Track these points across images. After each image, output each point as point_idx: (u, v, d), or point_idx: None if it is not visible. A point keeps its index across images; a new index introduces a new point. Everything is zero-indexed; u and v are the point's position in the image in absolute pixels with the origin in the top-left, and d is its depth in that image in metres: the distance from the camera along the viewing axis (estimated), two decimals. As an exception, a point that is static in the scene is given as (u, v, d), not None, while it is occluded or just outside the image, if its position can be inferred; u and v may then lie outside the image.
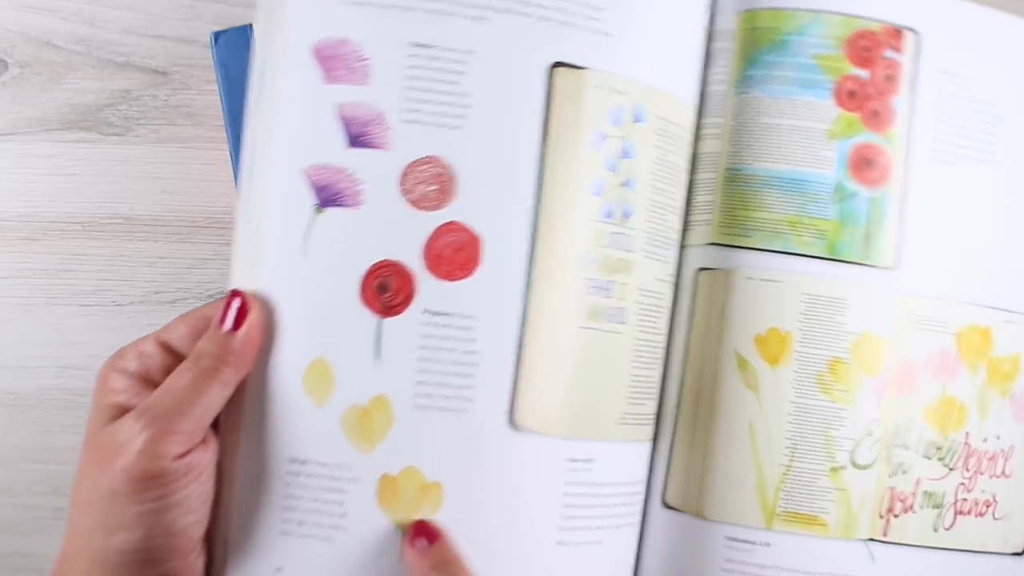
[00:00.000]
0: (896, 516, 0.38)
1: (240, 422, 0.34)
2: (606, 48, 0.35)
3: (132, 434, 0.30)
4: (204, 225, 0.45)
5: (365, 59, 0.34)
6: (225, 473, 0.34)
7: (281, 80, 0.34)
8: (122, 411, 0.32)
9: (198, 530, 0.32)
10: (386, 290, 0.34)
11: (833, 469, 0.37)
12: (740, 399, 0.37)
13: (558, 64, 0.34)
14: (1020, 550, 0.39)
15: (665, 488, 0.38)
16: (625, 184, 0.36)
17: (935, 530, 0.38)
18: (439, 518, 0.34)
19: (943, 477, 0.38)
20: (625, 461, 0.37)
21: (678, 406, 0.38)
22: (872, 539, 0.37)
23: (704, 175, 0.39)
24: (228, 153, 0.43)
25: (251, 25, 0.40)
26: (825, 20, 0.38)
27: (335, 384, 0.34)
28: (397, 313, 0.34)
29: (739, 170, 0.38)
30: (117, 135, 0.45)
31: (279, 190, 0.34)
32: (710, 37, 0.39)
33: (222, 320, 0.33)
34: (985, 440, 0.39)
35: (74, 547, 0.31)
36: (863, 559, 0.37)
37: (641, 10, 0.36)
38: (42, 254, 0.45)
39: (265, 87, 0.34)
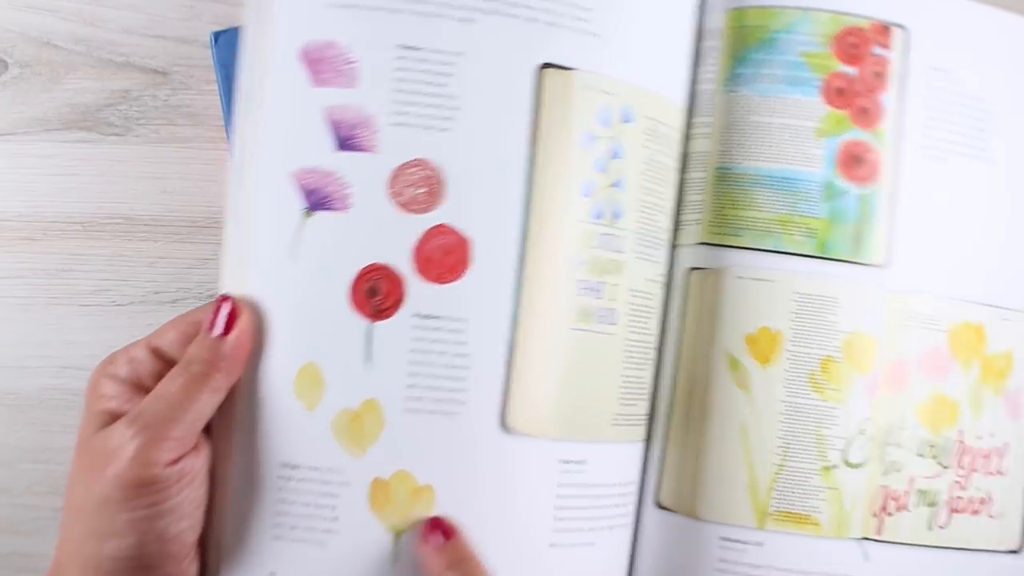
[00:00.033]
0: (890, 515, 0.38)
1: (231, 427, 0.34)
2: (594, 49, 0.35)
3: (124, 441, 0.30)
4: (204, 225, 0.45)
5: (353, 62, 0.34)
6: (218, 478, 0.34)
7: (269, 83, 0.34)
8: (114, 417, 0.32)
9: (191, 535, 0.32)
10: (376, 294, 0.34)
11: (825, 468, 0.37)
12: (732, 399, 0.37)
13: (546, 65, 0.34)
14: (1015, 548, 0.39)
15: (658, 489, 0.38)
16: (614, 185, 0.36)
17: (929, 528, 0.38)
18: (431, 521, 0.34)
19: (937, 475, 0.38)
20: (617, 462, 0.37)
21: (671, 406, 0.38)
22: (866, 538, 0.37)
23: (694, 174, 0.39)
24: (228, 153, 0.43)
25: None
26: (813, 17, 0.38)
27: (326, 388, 0.33)
28: (387, 317, 0.34)
29: (729, 169, 0.38)
30: (117, 135, 0.45)
31: (268, 194, 0.34)
32: (699, 36, 0.39)
33: (212, 325, 0.33)
34: (979, 438, 0.39)
35: (67, 553, 0.31)
36: (857, 558, 0.37)
37: (629, 10, 0.35)
38: (42, 254, 0.45)
39: (253, 90, 0.34)
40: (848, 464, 0.37)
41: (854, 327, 0.37)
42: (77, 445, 0.32)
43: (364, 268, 0.34)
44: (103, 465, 0.30)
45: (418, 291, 0.34)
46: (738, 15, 0.38)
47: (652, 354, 0.38)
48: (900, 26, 0.38)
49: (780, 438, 0.37)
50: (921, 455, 0.38)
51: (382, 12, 0.34)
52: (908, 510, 0.38)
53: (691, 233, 0.38)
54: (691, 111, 0.39)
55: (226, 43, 0.42)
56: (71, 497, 0.32)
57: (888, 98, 0.38)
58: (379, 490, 0.33)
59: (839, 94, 0.38)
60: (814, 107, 0.38)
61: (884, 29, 0.38)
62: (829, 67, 0.38)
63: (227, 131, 0.43)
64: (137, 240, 0.45)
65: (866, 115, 0.38)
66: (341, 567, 0.33)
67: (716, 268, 0.38)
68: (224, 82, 0.42)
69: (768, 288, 0.37)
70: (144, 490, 0.30)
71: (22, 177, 0.45)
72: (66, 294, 0.45)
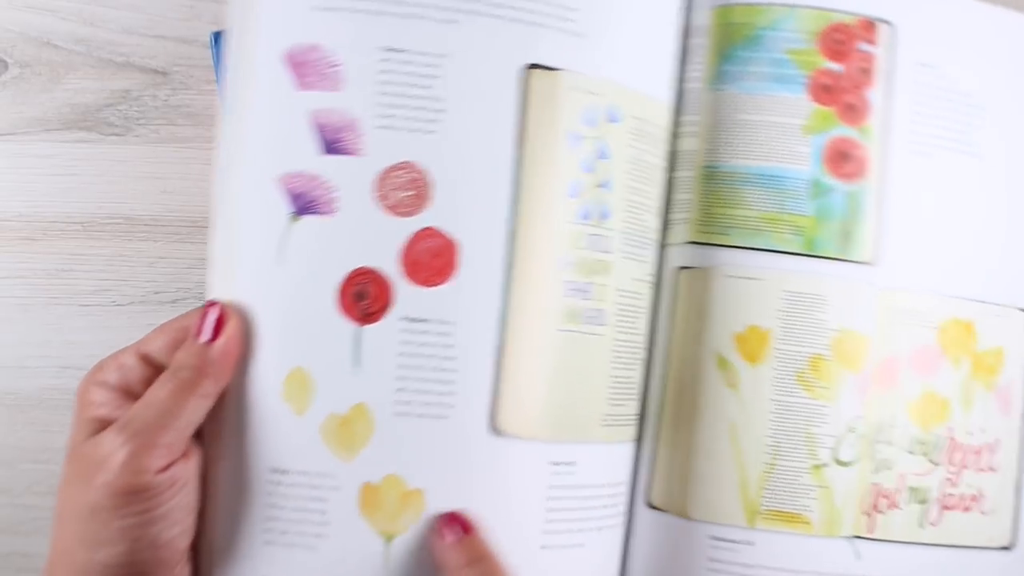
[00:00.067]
0: (881, 512, 0.38)
1: (221, 432, 0.34)
2: (580, 49, 0.35)
3: (113, 448, 0.30)
4: (204, 225, 0.45)
5: (337, 65, 0.34)
6: (209, 483, 0.34)
7: (254, 87, 0.34)
8: (104, 424, 0.32)
9: (183, 541, 0.32)
10: (364, 298, 0.34)
11: (815, 467, 0.37)
12: (721, 398, 0.37)
13: (532, 66, 0.34)
14: (1007, 544, 0.39)
15: (649, 489, 0.38)
16: (601, 185, 0.35)
17: (921, 526, 0.38)
18: (422, 525, 0.34)
19: (928, 472, 0.38)
20: (607, 463, 0.37)
21: (661, 406, 0.38)
22: (857, 536, 0.37)
23: (681, 173, 0.39)
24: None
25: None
26: (798, 14, 0.38)
27: (315, 393, 0.33)
28: (375, 320, 0.34)
29: (716, 168, 0.38)
30: (117, 135, 0.45)
31: (254, 198, 0.34)
32: (685, 33, 0.39)
33: (199, 331, 0.33)
34: (970, 434, 0.39)
35: (59, 561, 0.31)
36: (848, 556, 0.37)
37: (615, 10, 0.35)
38: (42, 254, 0.45)
39: (238, 94, 0.34)
40: (838, 462, 0.37)
41: (843, 325, 0.37)
42: (67, 453, 0.32)
43: (351, 272, 0.34)
44: (93, 473, 0.30)
45: (406, 294, 0.34)
46: (724, 12, 0.38)
47: (641, 354, 0.38)
48: (886, 22, 0.38)
49: (770, 437, 0.37)
50: (912, 452, 0.38)
51: (365, 14, 0.34)
52: (899, 508, 0.38)
53: (679, 232, 0.38)
54: (678, 110, 0.39)
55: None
56: (62, 505, 0.32)
57: (874, 94, 0.38)
58: (369, 494, 0.33)
59: (825, 91, 0.38)
60: (800, 104, 0.37)
61: (870, 25, 0.38)
62: (815, 64, 0.38)
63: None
64: (137, 240, 0.45)
65: (852, 111, 0.38)
66: (332, 572, 0.33)
67: (704, 267, 0.38)
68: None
69: (756, 287, 0.37)
70: (135, 497, 0.30)
71: (22, 177, 0.45)
72: (66, 294, 0.45)
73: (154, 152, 0.45)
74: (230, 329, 0.33)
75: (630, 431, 0.38)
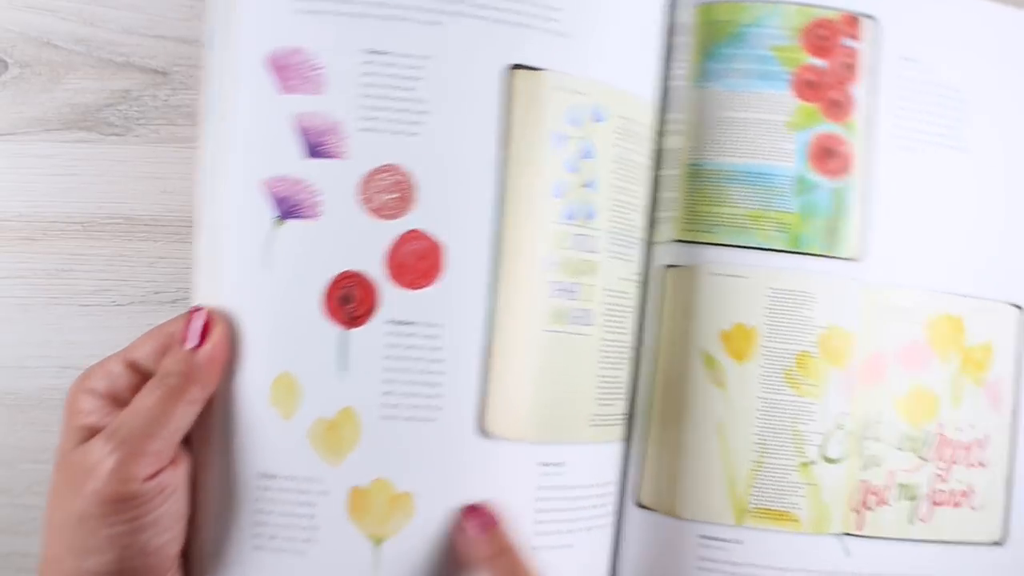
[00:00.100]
0: (870, 509, 0.38)
1: (209, 438, 0.34)
2: (564, 49, 0.35)
3: (102, 456, 0.30)
4: (204, 226, 0.45)
5: (319, 68, 0.34)
6: (198, 489, 0.34)
7: (236, 91, 0.34)
8: (92, 432, 0.32)
9: (173, 548, 0.32)
10: (349, 301, 0.34)
11: (803, 464, 0.37)
12: (708, 396, 0.37)
13: (516, 66, 0.34)
14: (998, 539, 0.39)
15: (639, 488, 0.38)
16: (587, 185, 0.35)
17: (911, 522, 0.38)
18: (411, 529, 0.33)
19: (917, 468, 0.38)
20: (596, 463, 0.37)
21: (649, 405, 0.38)
22: (847, 533, 0.37)
23: (667, 171, 0.39)
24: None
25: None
26: (781, 11, 0.38)
27: (302, 397, 0.33)
28: (361, 324, 0.34)
29: (701, 165, 0.38)
30: (117, 135, 0.45)
31: (238, 203, 0.34)
32: (669, 31, 0.39)
33: (185, 337, 0.33)
34: (960, 429, 0.38)
35: (49, 569, 0.31)
36: (837, 553, 0.37)
37: (598, 10, 0.35)
38: (42, 254, 0.45)
39: (221, 98, 0.34)
40: (826, 459, 0.37)
41: (829, 321, 0.37)
42: (56, 461, 0.32)
43: (337, 276, 0.33)
44: (82, 481, 0.30)
45: (392, 297, 0.34)
46: (707, 10, 0.38)
47: (628, 353, 0.38)
48: (870, 16, 0.38)
49: (757, 435, 0.37)
50: (900, 449, 0.38)
51: (348, 17, 0.33)
52: (889, 504, 0.38)
53: (665, 230, 0.38)
54: (662, 108, 0.39)
55: (226, 43, 0.42)
56: (51, 513, 0.32)
57: (859, 90, 0.38)
58: (358, 498, 0.33)
59: (809, 87, 0.37)
60: (784, 101, 0.37)
61: (853, 20, 0.38)
62: (798, 60, 0.37)
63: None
64: (137, 240, 0.45)
65: (837, 107, 0.38)
66: (322, 576, 0.33)
67: (690, 265, 0.38)
68: (224, 82, 0.42)
69: (742, 284, 0.37)
70: (123, 505, 0.30)
71: (22, 177, 0.45)
72: (66, 294, 0.45)
73: (154, 152, 0.45)
74: (216, 335, 0.33)
75: (618, 431, 0.38)
